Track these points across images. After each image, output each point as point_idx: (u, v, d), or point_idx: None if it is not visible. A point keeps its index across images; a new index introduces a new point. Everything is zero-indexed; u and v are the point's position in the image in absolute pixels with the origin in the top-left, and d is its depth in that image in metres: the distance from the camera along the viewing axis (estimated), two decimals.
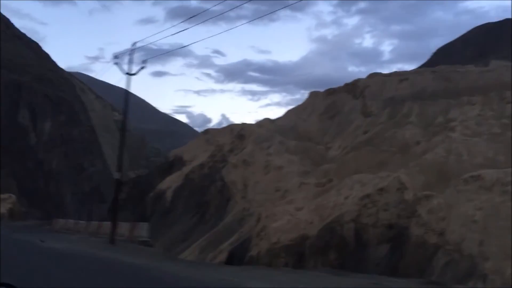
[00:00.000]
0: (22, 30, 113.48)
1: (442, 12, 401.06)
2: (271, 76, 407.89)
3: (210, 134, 44.96)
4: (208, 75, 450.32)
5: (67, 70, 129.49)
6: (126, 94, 26.20)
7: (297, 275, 15.13)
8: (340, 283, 13.32)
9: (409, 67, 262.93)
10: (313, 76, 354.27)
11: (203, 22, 73.58)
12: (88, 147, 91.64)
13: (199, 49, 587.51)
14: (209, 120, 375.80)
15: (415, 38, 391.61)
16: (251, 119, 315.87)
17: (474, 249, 15.21)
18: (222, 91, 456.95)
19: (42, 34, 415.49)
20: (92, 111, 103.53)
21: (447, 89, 32.34)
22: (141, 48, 28.85)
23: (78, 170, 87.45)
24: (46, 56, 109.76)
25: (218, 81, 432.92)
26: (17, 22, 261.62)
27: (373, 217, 19.33)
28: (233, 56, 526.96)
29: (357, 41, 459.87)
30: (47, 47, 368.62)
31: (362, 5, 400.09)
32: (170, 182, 39.87)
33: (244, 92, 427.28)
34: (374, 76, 39.77)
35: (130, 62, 25.65)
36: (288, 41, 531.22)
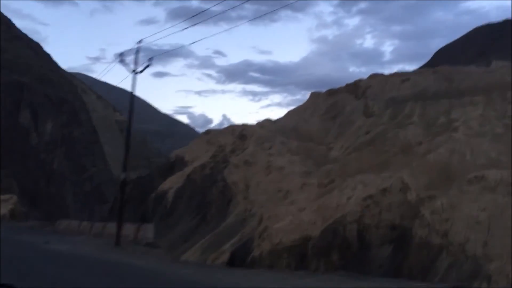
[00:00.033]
0: (23, 31, 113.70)
1: (443, 12, 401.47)
2: (272, 76, 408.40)
3: (211, 134, 44.82)
4: (209, 75, 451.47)
5: (68, 70, 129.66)
6: (131, 93, 26.18)
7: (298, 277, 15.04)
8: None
9: (410, 67, 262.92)
10: (314, 77, 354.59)
11: (204, 21, 74.04)
12: (90, 147, 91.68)
13: (200, 50, 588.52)
14: (210, 121, 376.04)
15: (416, 39, 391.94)
16: (252, 120, 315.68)
17: (478, 250, 15.14)
18: (223, 91, 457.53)
19: (44, 34, 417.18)
20: (93, 112, 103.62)
21: (449, 90, 32.20)
22: (143, 49, 28.84)
23: (80, 171, 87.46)
24: (48, 57, 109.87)
25: (219, 81, 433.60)
26: (18, 23, 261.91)
27: (376, 218, 19.24)
28: (234, 56, 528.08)
29: (358, 41, 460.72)
30: (48, 48, 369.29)
31: (362, 5, 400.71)
32: (172, 183, 39.72)
33: (245, 93, 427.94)
34: (375, 76, 39.63)
35: (136, 59, 25.67)
36: (289, 42, 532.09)
